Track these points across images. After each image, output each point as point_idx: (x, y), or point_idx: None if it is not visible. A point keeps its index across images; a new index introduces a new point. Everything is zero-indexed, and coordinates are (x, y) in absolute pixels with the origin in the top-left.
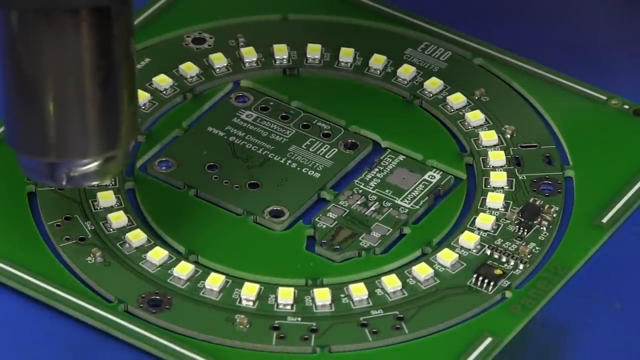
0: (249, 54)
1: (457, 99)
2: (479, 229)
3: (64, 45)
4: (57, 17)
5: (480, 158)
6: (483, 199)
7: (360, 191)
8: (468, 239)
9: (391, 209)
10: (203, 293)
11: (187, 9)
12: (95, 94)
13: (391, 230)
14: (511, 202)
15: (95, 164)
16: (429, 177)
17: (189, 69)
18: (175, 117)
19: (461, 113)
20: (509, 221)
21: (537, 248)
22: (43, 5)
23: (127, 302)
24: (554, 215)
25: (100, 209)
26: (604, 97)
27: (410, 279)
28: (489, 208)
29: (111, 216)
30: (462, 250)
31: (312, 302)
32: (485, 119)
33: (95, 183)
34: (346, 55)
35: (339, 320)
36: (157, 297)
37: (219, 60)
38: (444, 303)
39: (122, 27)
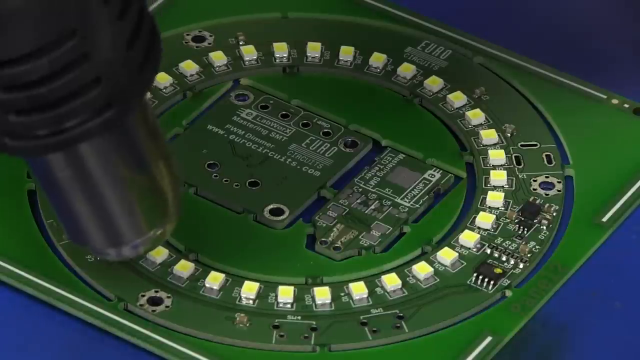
0: (249, 52)
1: (457, 98)
2: (479, 227)
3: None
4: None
5: (481, 157)
6: (483, 198)
7: (360, 190)
8: (468, 238)
9: (391, 207)
10: (203, 291)
11: (187, 7)
12: (136, 188)
13: (391, 228)
14: (511, 201)
15: (150, 234)
16: (429, 175)
17: (188, 67)
18: (175, 116)
19: (461, 112)
20: (509, 220)
21: (537, 247)
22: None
23: (127, 300)
24: (554, 214)
25: None
26: (604, 96)
27: (410, 278)
28: (489, 207)
29: None
30: (462, 249)
31: (312, 301)
32: (486, 118)
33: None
34: (346, 53)
35: (339, 318)
36: (157, 296)
37: (218, 58)
38: (444, 302)
39: (141, 129)
